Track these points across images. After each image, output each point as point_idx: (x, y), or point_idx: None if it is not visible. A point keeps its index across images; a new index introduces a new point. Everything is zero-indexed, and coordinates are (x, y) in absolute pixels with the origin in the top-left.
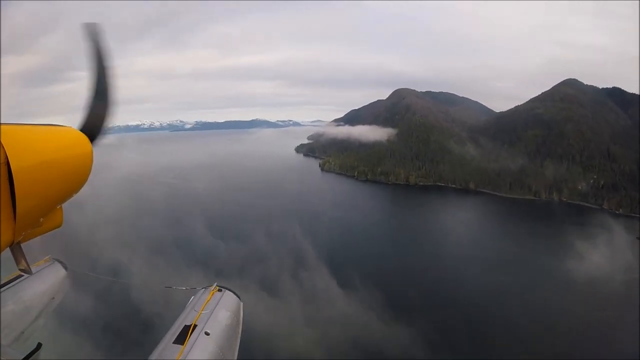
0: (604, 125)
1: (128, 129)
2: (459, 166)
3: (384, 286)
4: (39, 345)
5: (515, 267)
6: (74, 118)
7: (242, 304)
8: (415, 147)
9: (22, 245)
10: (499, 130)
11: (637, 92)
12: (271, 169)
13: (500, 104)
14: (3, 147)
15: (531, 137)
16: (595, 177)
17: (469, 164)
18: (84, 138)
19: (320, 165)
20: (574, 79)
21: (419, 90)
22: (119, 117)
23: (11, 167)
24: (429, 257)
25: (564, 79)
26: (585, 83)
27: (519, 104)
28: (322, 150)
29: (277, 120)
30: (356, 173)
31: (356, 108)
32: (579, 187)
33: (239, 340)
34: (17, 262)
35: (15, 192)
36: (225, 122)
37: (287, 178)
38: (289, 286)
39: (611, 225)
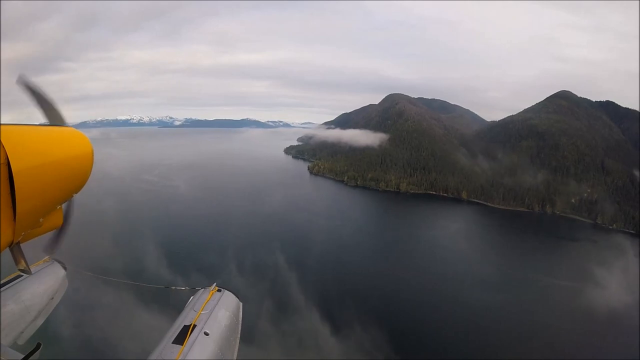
0: (598, 138)
1: (117, 122)
2: (451, 175)
3: (377, 315)
4: (39, 345)
5: (514, 287)
6: (63, 110)
7: (241, 304)
8: (407, 154)
9: (21, 245)
10: (493, 140)
11: (630, 107)
12: (258, 170)
13: (491, 114)
14: (4, 148)
15: (525, 148)
16: (589, 190)
17: (462, 172)
18: (84, 138)
19: (309, 168)
20: (568, 91)
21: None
22: (109, 111)
23: (12, 167)
24: (426, 275)
25: (556, 90)
26: (578, 96)
27: (512, 114)
28: (312, 152)
29: (268, 121)
30: (346, 178)
31: (348, 111)
32: (573, 201)
33: (238, 341)
34: (17, 262)
35: (16, 192)
36: (215, 120)
37: (274, 180)
38: (267, 324)
39: (608, 242)
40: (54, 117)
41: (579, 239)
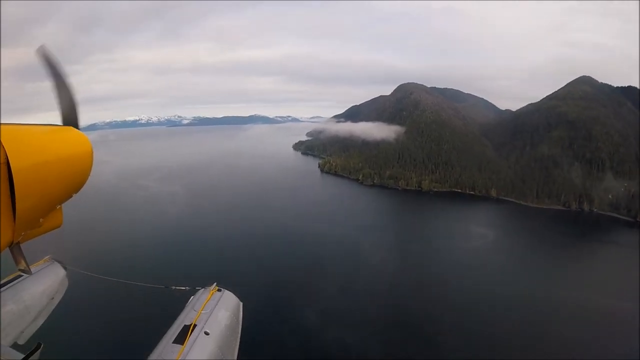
0: (627, 126)
1: (125, 124)
2: (477, 170)
3: None
4: (39, 345)
5: (572, 316)
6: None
7: (241, 304)
8: (426, 148)
9: (21, 245)
10: (518, 130)
11: None
12: (265, 169)
13: (503, 102)
14: (3, 147)
15: (556, 139)
16: (626, 185)
17: (489, 167)
18: (84, 138)
19: (319, 166)
20: (589, 77)
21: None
22: (117, 112)
23: (11, 167)
24: (474, 312)
25: (568, 76)
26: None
27: (533, 102)
28: (322, 148)
29: (276, 116)
30: (361, 176)
31: (357, 104)
32: (610, 196)
33: (238, 340)
34: (17, 262)
35: (15, 192)
36: (224, 117)
37: (281, 182)
38: None
39: None
40: (66, 102)
41: (623, 244)
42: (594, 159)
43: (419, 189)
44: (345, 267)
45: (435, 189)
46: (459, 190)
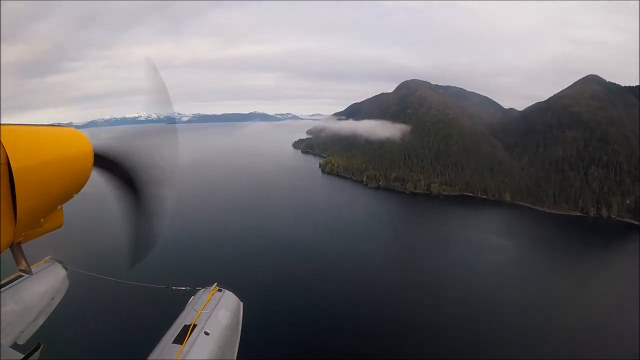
0: None
1: (125, 120)
2: (488, 172)
3: None
4: (39, 345)
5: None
6: (69, 110)
7: (242, 304)
8: (434, 147)
9: (22, 245)
10: (529, 130)
11: None
12: (263, 169)
13: (506, 101)
14: (3, 147)
15: (570, 140)
16: None
17: (500, 169)
18: (84, 138)
19: (320, 166)
20: (596, 75)
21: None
22: (117, 109)
23: (12, 167)
24: None
25: (571, 75)
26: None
27: (539, 101)
28: (323, 146)
29: (276, 114)
30: (365, 178)
31: (358, 101)
32: (628, 202)
33: (238, 340)
34: (17, 263)
35: (16, 192)
36: (223, 114)
37: (280, 183)
38: None
39: None
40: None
41: None
42: (611, 162)
43: (428, 192)
44: (347, 289)
45: (445, 193)
46: (471, 194)
